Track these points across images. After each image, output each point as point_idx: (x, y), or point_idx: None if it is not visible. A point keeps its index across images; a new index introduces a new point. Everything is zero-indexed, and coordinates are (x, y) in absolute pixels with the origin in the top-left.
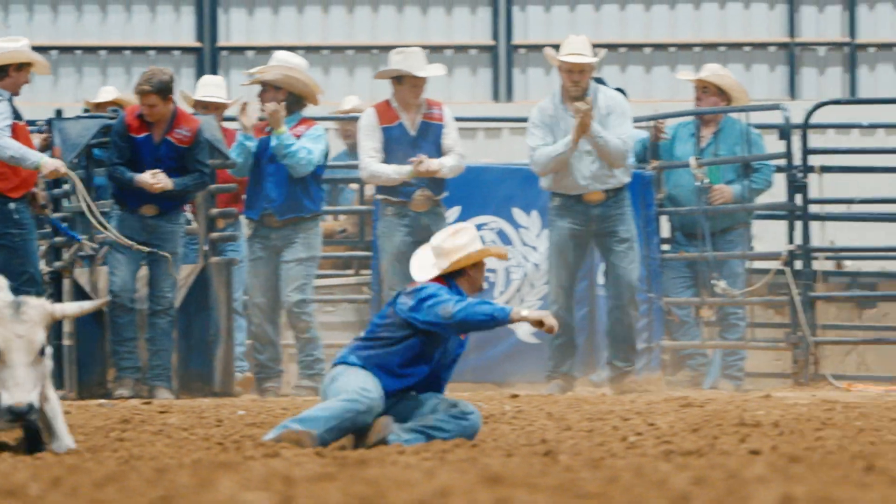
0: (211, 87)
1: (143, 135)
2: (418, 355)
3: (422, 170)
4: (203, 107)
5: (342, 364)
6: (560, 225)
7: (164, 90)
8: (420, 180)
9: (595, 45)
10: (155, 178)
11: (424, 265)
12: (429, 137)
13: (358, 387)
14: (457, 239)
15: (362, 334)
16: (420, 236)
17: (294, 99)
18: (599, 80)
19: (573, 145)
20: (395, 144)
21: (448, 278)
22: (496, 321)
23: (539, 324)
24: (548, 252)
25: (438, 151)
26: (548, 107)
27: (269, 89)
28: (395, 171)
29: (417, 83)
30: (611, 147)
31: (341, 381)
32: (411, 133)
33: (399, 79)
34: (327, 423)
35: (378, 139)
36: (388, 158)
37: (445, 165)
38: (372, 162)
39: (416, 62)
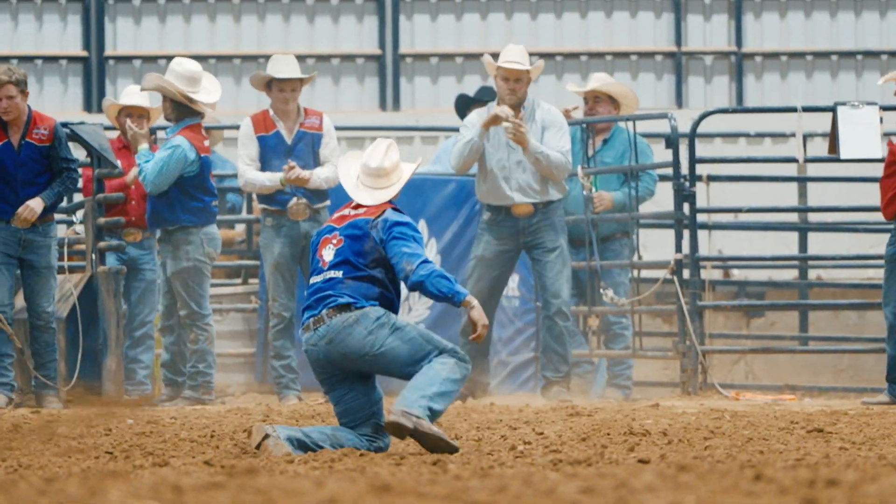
0: (135, 95)
1: (1, 142)
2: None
3: (292, 177)
4: (127, 114)
5: (364, 307)
6: (487, 239)
7: (22, 83)
8: (296, 189)
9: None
10: (25, 211)
11: (368, 188)
12: (306, 146)
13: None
14: (392, 155)
15: (340, 274)
16: (299, 246)
17: (180, 106)
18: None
19: (483, 132)
20: (272, 153)
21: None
22: (448, 300)
23: (473, 327)
24: (471, 263)
25: (316, 161)
26: (484, 112)
27: (165, 100)
28: (269, 179)
29: (284, 87)
30: (552, 161)
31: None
32: (287, 142)
33: (270, 84)
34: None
35: (254, 148)
36: (265, 167)
37: (319, 176)
38: (248, 170)
39: (282, 66)
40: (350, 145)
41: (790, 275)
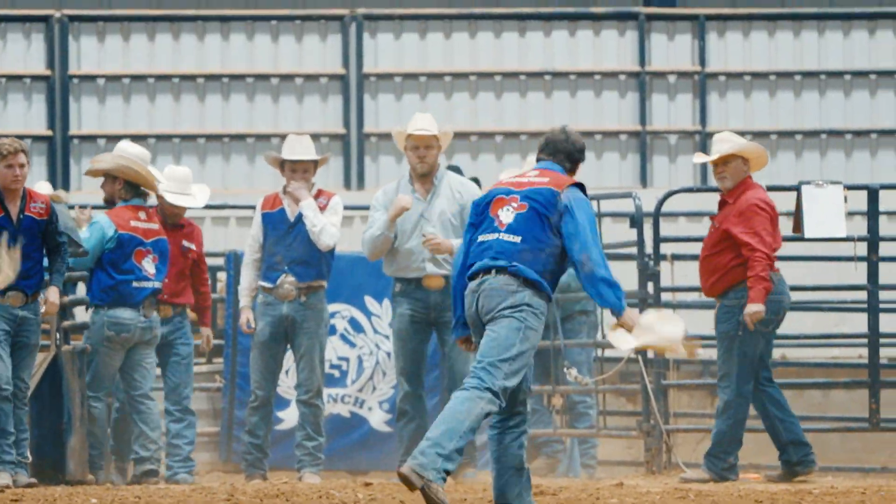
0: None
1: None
2: None
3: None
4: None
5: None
6: (400, 311)
7: (27, 152)
8: (290, 265)
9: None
10: (51, 307)
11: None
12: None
13: None
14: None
15: (518, 240)
16: (282, 327)
17: (131, 187)
18: (455, 168)
19: (390, 224)
20: (272, 230)
21: None
22: (613, 309)
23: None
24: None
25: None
26: (391, 190)
27: (107, 179)
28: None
29: (296, 167)
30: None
31: None
32: (290, 220)
33: (283, 164)
34: None
35: (257, 225)
36: (266, 243)
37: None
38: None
39: (296, 148)
40: None
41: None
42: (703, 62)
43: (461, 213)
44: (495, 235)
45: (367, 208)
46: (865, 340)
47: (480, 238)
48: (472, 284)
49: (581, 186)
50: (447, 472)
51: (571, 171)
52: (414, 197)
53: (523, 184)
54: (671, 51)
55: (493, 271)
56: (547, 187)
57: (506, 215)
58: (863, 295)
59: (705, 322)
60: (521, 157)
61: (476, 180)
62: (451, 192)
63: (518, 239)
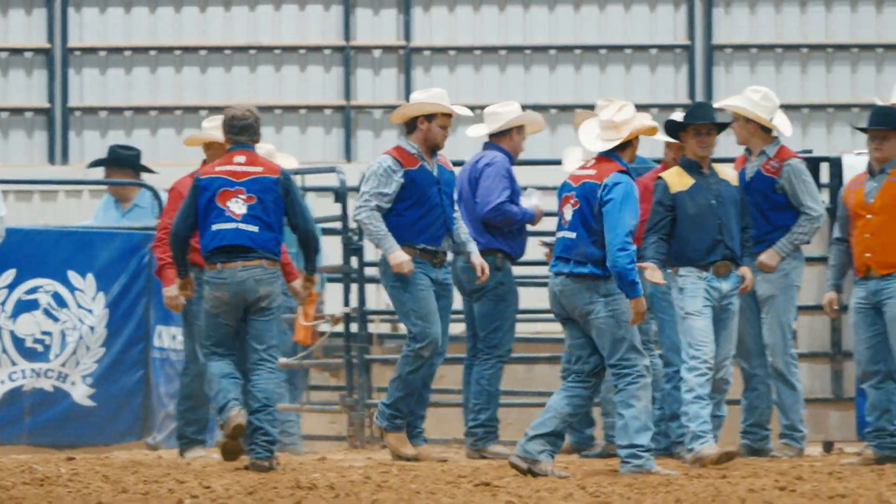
0: None
1: None
2: None
3: None
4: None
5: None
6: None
7: None
8: None
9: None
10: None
11: (593, 138)
12: None
13: None
14: (624, 113)
15: (573, 235)
16: None
17: None
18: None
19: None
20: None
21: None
22: (628, 291)
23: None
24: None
25: None
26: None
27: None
28: None
29: None
30: None
31: None
32: None
33: None
34: None
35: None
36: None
37: None
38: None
39: None
40: (18, 199)
41: (459, 329)
42: (408, 37)
43: None
44: (561, 234)
45: (69, 183)
46: None
47: (557, 235)
48: (552, 280)
49: (624, 171)
50: None
51: None
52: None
53: (579, 178)
54: (376, 25)
55: (565, 274)
56: (592, 181)
57: (567, 213)
58: None
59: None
60: None
61: None
62: None
63: (574, 235)
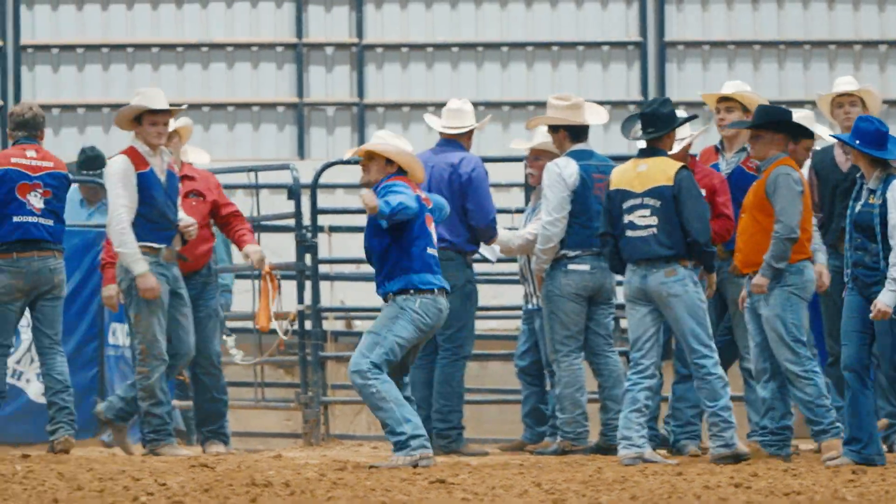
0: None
1: None
2: None
3: None
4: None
5: None
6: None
7: None
8: None
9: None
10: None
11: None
12: None
13: None
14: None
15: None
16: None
17: None
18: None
19: None
20: None
21: None
22: None
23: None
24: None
25: None
26: None
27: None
28: None
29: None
30: None
31: None
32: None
33: None
34: None
35: None
36: None
37: None
38: None
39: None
40: None
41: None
42: (360, 34)
43: None
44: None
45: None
46: (520, 313)
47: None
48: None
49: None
50: None
51: None
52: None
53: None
54: (328, 22)
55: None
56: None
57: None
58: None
59: (362, 294)
60: None
61: None
62: None
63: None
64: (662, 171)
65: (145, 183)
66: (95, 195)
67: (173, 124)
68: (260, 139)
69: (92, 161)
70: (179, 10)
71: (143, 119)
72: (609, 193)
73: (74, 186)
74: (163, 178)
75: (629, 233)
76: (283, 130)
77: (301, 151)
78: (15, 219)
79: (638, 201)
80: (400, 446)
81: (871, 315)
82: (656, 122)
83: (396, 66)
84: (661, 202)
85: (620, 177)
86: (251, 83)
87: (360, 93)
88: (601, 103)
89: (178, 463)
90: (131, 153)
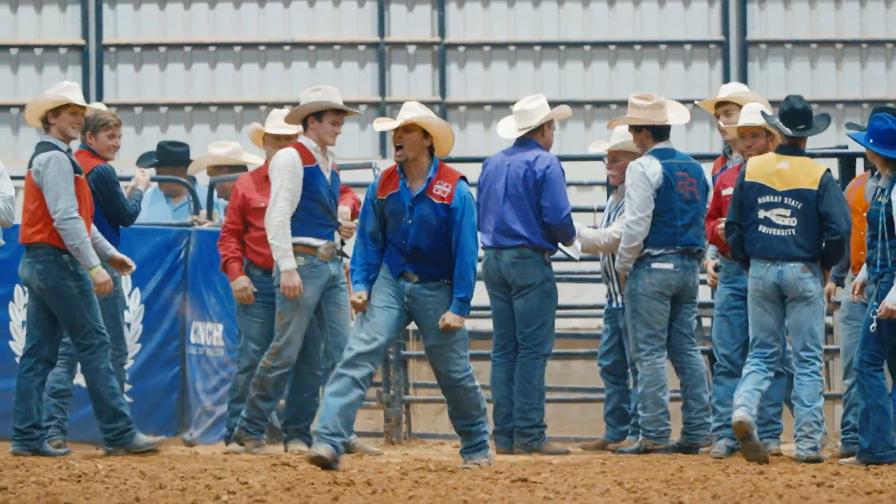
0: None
1: None
2: None
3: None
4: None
5: None
6: None
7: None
8: None
9: None
10: None
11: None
12: None
13: None
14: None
15: None
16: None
17: None
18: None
19: None
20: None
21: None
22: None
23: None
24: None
25: None
26: None
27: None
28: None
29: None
30: None
31: None
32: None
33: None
34: None
35: None
36: None
37: None
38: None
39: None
40: None
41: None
42: (442, 33)
43: None
44: None
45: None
46: (603, 311)
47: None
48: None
49: None
50: None
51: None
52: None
53: None
54: (410, 21)
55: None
56: None
57: None
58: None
59: None
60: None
61: None
62: None
63: None
64: (807, 173)
65: (312, 177)
66: (179, 190)
67: (298, 128)
68: (342, 138)
69: (170, 156)
70: (262, 9)
71: (323, 116)
72: (743, 184)
73: (155, 184)
74: (328, 175)
75: (764, 229)
76: (364, 129)
77: (383, 150)
78: None
79: (777, 199)
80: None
81: (878, 314)
82: (807, 119)
83: (478, 64)
84: (802, 204)
85: (758, 170)
86: (333, 82)
87: (442, 92)
88: (683, 102)
89: (259, 461)
90: (299, 148)
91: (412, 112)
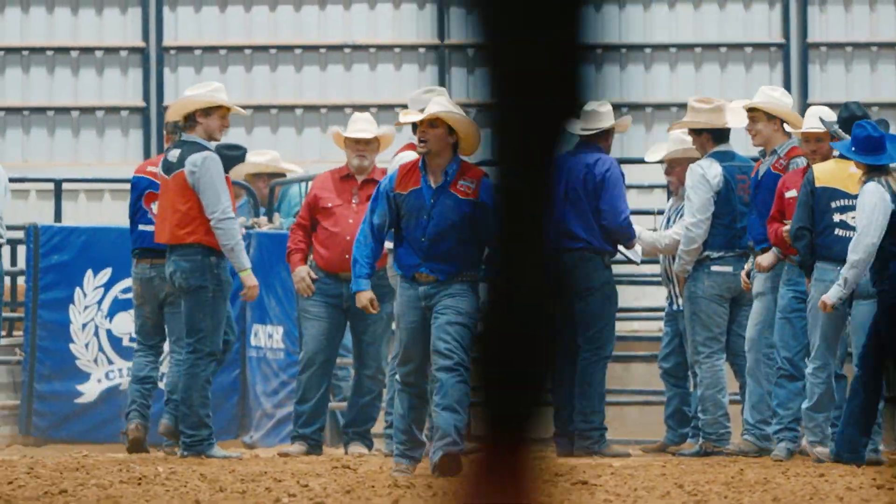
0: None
1: None
2: None
3: None
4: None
5: None
6: None
7: None
8: None
9: None
10: None
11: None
12: None
13: None
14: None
15: None
16: None
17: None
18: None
19: None
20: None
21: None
22: None
23: None
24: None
25: None
26: None
27: None
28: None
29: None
30: None
31: None
32: None
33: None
34: None
35: None
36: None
37: None
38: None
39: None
40: (113, 197)
41: None
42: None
43: None
44: None
45: None
46: (663, 314)
47: None
48: None
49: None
50: None
51: None
52: None
53: None
54: (469, 24)
55: None
56: None
57: None
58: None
59: None
60: (320, 130)
61: None
62: None
63: None
64: None
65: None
66: (235, 193)
67: (377, 130)
68: (402, 141)
69: (227, 160)
70: (322, 12)
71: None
72: (814, 189)
73: None
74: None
75: (840, 232)
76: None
77: None
78: (139, 227)
79: (852, 202)
80: None
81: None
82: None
83: None
84: None
85: (829, 175)
86: (393, 84)
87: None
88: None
89: (320, 464)
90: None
91: (439, 107)
